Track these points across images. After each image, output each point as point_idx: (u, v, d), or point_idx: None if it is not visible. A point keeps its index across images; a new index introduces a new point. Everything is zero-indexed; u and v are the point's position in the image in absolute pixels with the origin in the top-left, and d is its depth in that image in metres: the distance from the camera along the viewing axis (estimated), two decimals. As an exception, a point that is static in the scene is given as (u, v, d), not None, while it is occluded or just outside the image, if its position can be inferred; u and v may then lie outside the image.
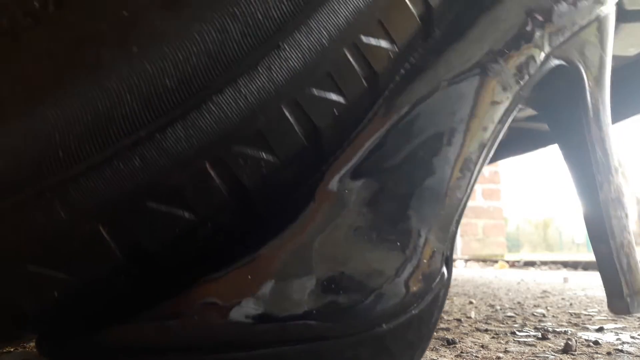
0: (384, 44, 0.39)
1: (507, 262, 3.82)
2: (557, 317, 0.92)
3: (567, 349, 0.61)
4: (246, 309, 0.35)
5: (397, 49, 0.40)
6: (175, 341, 0.35)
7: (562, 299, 1.25)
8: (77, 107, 0.32)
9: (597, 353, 0.60)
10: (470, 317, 0.92)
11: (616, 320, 0.83)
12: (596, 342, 0.65)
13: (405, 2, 0.40)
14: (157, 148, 0.34)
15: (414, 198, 0.39)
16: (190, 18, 0.34)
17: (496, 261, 3.88)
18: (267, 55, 0.35)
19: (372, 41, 0.39)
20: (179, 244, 0.36)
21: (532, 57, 0.45)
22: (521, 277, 2.45)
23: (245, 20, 0.35)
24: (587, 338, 0.69)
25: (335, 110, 0.38)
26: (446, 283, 0.40)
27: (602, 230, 0.53)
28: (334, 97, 0.38)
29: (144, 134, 0.33)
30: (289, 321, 0.36)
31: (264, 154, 0.37)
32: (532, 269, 3.43)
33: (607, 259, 0.53)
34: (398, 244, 0.38)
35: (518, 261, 3.79)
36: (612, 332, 0.73)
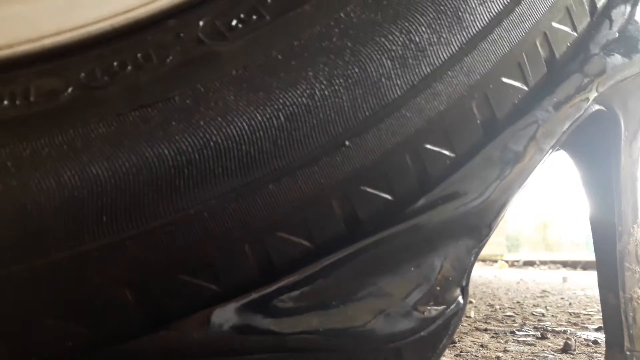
0: (445, 151, 0.38)
1: (507, 261, 3.84)
2: (556, 316, 0.93)
3: (566, 349, 0.61)
4: (243, 322, 0.36)
5: (455, 156, 0.39)
6: (170, 349, 0.36)
7: (562, 298, 1.26)
8: (131, 174, 0.32)
9: (596, 352, 0.60)
10: (469, 317, 0.93)
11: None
12: (595, 342, 0.66)
13: (474, 114, 0.39)
14: (202, 227, 0.33)
15: (435, 226, 0.39)
16: (261, 102, 0.33)
17: (496, 261, 3.90)
18: (332, 152, 0.35)
19: (435, 148, 0.38)
20: (197, 308, 0.36)
21: (581, 105, 0.44)
22: (520, 276, 2.47)
23: (317, 114, 0.34)
24: (586, 337, 0.70)
25: (381, 206, 0.38)
26: (460, 312, 0.40)
27: (613, 280, 0.53)
28: (383, 195, 0.37)
29: (194, 212, 0.33)
30: (291, 335, 0.36)
31: (303, 240, 0.36)
32: (531, 268, 3.44)
33: (613, 309, 0.54)
34: (412, 268, 0.39)
35: (517, 261, 3.82)
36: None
